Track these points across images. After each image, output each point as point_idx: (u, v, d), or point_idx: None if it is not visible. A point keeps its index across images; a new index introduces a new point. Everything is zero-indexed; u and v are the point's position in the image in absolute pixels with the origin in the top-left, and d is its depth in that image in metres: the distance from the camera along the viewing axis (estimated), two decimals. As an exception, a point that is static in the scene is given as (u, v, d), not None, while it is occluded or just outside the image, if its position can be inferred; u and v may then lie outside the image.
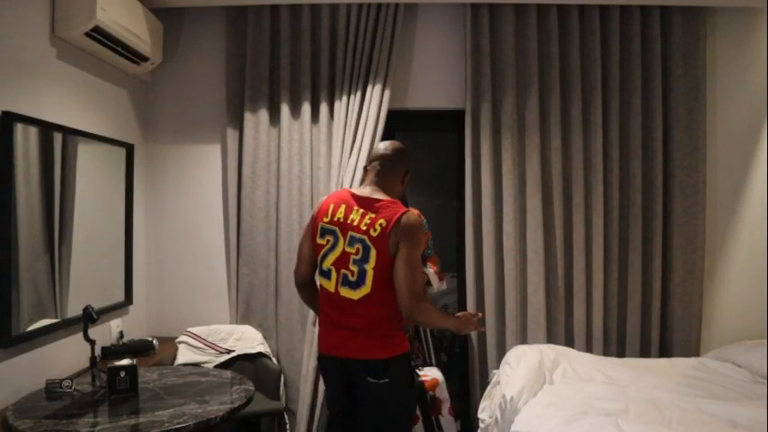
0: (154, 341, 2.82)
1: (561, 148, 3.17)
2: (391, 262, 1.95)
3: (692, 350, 3.18)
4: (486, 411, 2.71)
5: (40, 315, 2.35)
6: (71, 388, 2.14)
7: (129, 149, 3.02)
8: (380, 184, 2.09)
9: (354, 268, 1.97)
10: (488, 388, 2.86)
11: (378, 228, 1.96)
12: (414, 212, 2.02)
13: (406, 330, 2.11)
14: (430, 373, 2.71)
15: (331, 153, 3.16)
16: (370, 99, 3.09)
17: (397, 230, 1.95)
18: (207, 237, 3.30)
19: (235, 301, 3.21)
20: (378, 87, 3.09)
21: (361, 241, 1.97)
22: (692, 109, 3.17)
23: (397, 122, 3.25)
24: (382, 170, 2.11)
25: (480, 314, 2.22)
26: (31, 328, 2.27)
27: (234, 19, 3.18)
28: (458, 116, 3.28)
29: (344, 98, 3.13)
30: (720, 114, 3.27)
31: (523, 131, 3.18)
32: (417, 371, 2.67)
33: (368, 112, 3.09)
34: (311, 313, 3.03)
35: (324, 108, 3.15)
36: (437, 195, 4.52)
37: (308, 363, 3.06)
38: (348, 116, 3.12)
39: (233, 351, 3.01)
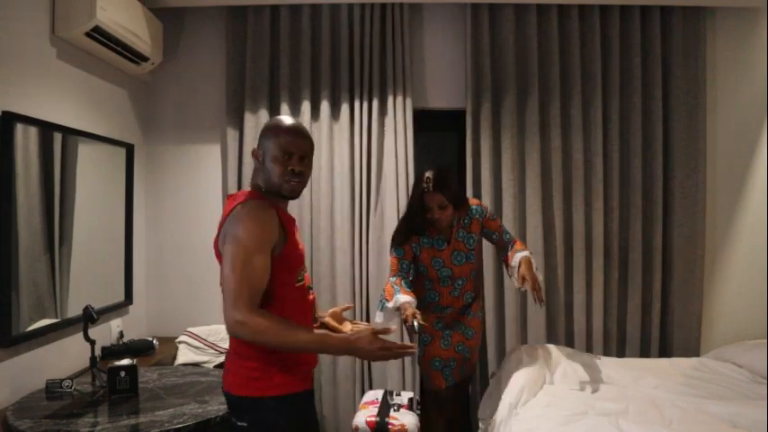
0: (154, 341, 2.82)
1: (561, 148, 3.17)
2: None
3: (692, 350, 3.18)
4: (486, 411, 2.70)
5: (40, 315, 2.35)
6: (71, 388, 2.14)
7: (129, 149, 3.02)
8: (252, 175, 1.70)
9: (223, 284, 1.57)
10: (488, 388, 2.85)
11: (218, 230, 1.61)
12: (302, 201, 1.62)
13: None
14: (401, 418, 2.20)
15: (333, 153, 3.16)
16: (378, 100, 3.13)
17: (225, 225, 1.56)
18: (207, 237, 3.25)
19: (235, 301, 3.20)
20: (389, 89, 3.13)
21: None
22: (692, 109, 3.17)
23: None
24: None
25: (392, 329, 1.59)
26: (31, 328, 2.27)
27: (234, 19, 3.18)
28: (458, 116, 3.28)
29: (348, 98, 3.15)
30: (720, 114, 3.27)
31: (523, 131, 3.19)
32: (393, 409, 2.28)
33: (374, 112, 3.12)
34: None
35: (325, 108, 3.15)
36: (437, 195, 4.51)
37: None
38: (360, 117, 3.14)
39: (233, 351, 3.01)
